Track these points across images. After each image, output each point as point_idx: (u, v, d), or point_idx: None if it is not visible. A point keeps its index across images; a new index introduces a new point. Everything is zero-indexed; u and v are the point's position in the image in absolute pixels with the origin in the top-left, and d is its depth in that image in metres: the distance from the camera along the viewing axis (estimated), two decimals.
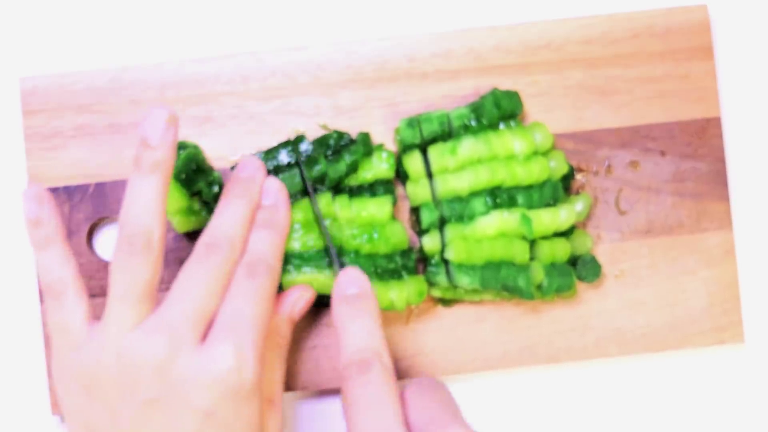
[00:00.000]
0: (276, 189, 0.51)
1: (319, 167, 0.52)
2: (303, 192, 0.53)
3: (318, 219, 0.52)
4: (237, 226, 0.49)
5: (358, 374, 0.45)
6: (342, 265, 0.52)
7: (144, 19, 0.57)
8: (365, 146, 0.53)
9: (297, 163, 0.53)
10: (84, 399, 0.46)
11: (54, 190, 0.54)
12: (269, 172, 0.53)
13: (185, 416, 0.44)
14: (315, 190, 0.53)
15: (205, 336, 0.46)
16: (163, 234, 0.46)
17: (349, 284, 0.49)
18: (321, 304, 0.54)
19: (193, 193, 0.53)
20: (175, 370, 0.44)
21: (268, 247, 0.49)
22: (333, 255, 0.52)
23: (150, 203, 0.46)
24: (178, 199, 0.52)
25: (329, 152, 0.53)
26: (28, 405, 0.55)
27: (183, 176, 0.51)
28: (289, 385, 0.55)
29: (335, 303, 0.48)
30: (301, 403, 0.56)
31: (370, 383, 0.45)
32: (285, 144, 0.53)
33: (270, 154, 0.53)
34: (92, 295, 0.54)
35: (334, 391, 0.56)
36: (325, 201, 0.52)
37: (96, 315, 0.53)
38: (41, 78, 0.54)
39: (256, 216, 0.51)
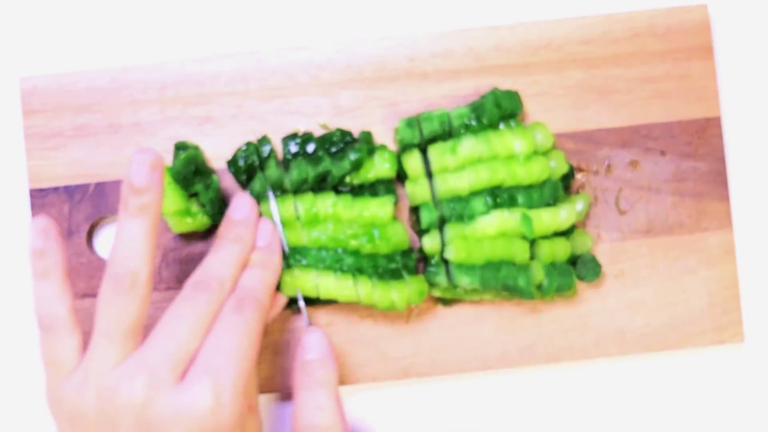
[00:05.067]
0: (270, 231, 0.52)
1: (324, 164, 0.52)
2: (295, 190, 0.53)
3: (275, 223, 0.52)
4: (229, 267, 0.49)
5: None
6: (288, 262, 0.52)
7: (144, 19, 0.57)
8: (368, 145, 0.53)
9: (260, 165, 0.53)
10: (70, 431, 0.46)
11: (54, 190, 0.54)
12: (246, 170, 0.53)
13: None
14: (275, 194, 0.53)
15: (185, 374, 0.45)
16: (151, 274, 0.46)
17: (308, 348, 0.50)
18: (309, 303, 0.54)
19: (191, 195, 0.53)
20: (154, 411, 0.44)
21: (259, 284, 0.49)
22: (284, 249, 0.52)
23: (137, 245, 0.46)
24: (175, 200, 0.52)
25: (333, 150, 0.53)
26: (28, 405, 0.55)
27: (181, 177, 0.52)
28: (287, 386, 0.55)
29: (295, 364, 0.49)
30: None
31: None
32: (248, 145, 0.54)
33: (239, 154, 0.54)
34: (93, 296, 0.54)
35: None
36: (329, 200, 0.52)
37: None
38: (41, 78, 0.54)
39: (249, 257, 0.51)
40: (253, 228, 0.51)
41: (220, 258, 0.49)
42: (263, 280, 0.50)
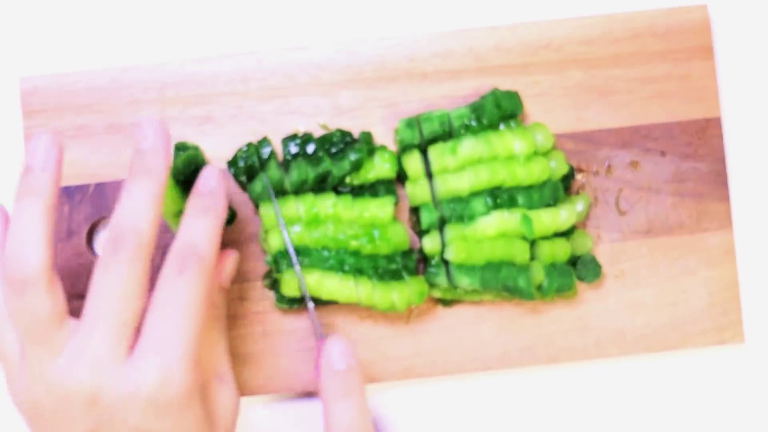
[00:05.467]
0: (215, 176, 0.47)
1: (324, 165, 0.52)
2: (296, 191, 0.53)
3: (279, 224, 0.52)
4: (143, 211, 0.44)
5: None
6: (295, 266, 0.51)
7: (144, 19, 0.57)
8: (368, 146, 0.53)
9: (261, 166, 0.53)
10: (33, 427, 0.45)
11: None
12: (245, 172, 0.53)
13: None
14: (280, 194, 0.53)
15: (133, 345, 0.44)
16: (49, 262, 0.43)
17: (339, 358, 0.48)
18: (317, 303, 0.54)
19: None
20: (105, 397, 0.43)
21: (199, 237, 0.44)
22: (293, 259, 0.51)
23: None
24: (175, 200, 0.52)
25: (333, 150, 0.53)
26: None
27: (182, 178, 0.52)
28: (287, 386, 0.55)
29: (324, 375, 0.48)
30: (296, 403, 0.56)
31: None
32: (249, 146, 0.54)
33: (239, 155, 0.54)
34: None
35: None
36: (329, 201, 0.52)
37: None
38: (41, 78, 0.54)
39: (187, 204, 0.47)
40: (166, 160, 0.45)
41: (131, 202, 0.44)
42: (205, 230, 0.45)
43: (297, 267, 0.51)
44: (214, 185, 0.46)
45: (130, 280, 0.43)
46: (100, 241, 0.56)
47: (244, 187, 0.54)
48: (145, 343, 0.43)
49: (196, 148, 0.54)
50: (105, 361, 0.43)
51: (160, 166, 0.45)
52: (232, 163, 0.53)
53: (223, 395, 0.47)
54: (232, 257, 0.51)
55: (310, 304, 0.52)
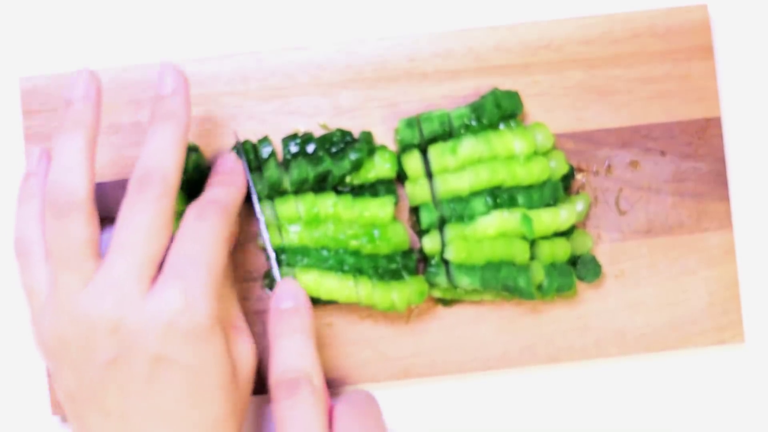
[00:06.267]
0: (233, 158, 0.51)
1: (324, 165, 0.52)
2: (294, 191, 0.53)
3: (259, 223, 0.52)
4: (168, 153, 0.46)
5: (286, 396, 0.45)
6: (274, 278, 0.51)
7: (144, 19, 0.57)
8: (368, 145, 0.53)
9: (259, 167, 0.53)
10: (54, 363, 0.46)
11: None
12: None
13: (143, 366, 0.44)
14: (271, 197, 0.52)
15: (155, 280, 0.45)
16: (91, 192, 0.45)
17: (285, 297, 0.48)
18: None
19: (192, 196, 0.53)
20: (127, 325, 0.44)
21: (221, 195, 0.48)
22: (272, 262, 0.51)
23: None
24: (177, 202, 0.52)
25: (333, 150, 0.54)
26: (28, 405, 0.55)
27: (191, 182, 0.52)
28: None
29: (270, 315, 0.48)
30: None
31: (296, 406, 0.45)
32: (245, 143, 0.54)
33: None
34: None
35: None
36: (329, 201, 0.52)
37: None
38: (41, 78, 0.54)
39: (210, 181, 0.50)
40: (186, 103, 0.47)
41: (156, 144, 0.46)
42: (227, 193, 0.48)
43: (275, 269, 0.51)
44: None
45: (155, 217, 0.45)
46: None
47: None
48: (168, 273, 0.45)
49: (196, 149, 0.54)
50: (128, 291, 0.44)
51: (182, 110, 0.46)
52: None
53: (241, 346, 0.48)
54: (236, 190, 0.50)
55: (272, 254, 0.51)
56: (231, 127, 0.55)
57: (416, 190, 0.53)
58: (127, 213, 0.45)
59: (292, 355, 0.47)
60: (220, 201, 0.47)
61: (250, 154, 0.53)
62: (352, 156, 0.52)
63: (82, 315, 0.44)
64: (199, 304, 0.44)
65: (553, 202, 0.53)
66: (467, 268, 0.52)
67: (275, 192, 0.53)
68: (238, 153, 0.53)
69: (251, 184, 0.52)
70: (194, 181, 0.52)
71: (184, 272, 0.44)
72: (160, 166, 0.45)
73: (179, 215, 0.53)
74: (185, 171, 0.51)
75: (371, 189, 0.54)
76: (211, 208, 0.46)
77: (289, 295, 0.48)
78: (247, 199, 0.54)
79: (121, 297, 0.44)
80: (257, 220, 0.52)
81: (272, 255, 0.51)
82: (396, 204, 0.53)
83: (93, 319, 0.44)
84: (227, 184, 0.49)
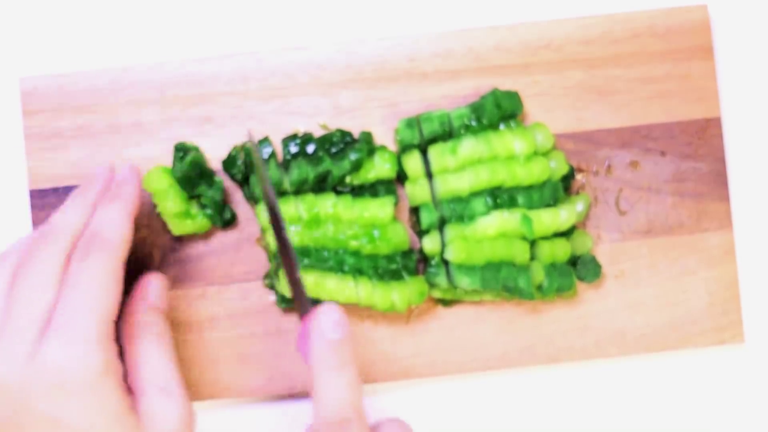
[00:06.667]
0: (127, 168, 0.50)
1: (324, 165, 0.52)
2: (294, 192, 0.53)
3: (278, 222, 0.50)
4: (75, 215, 0.47)
5: None
6: (297, 282, 0.48)
7: (144, 19, 0.57)
8: (368, 145, 0.53)
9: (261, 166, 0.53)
10: None
11: (54, 191, 0.54)
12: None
13: (35, 428, 0.43)
14: (282, 194, 0.52)
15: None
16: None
17: (333, 327, 0.46)
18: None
19: (191, 197, 0.53)
20: (13, 383, 0.43)
21: (107, 222, 0.47)
22: (294, 261, 0.49)
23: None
24: (176, 202, 0.52)
25: (333, 150, 0.53)
26: None
27: (187, 180, 0.52)
28: (287, 386, 0.55)
29: (314, 345, 0.45)
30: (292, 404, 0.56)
31: None
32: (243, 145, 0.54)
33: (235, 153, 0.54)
34: None
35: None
36: (329, 201, 0.52)
37: None
38: (41, 78, 0.54)
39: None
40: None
41: (66, 207, 0.47)
42: (115, 213, 0.47)
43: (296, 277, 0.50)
44: (126, 174, 0.49)
45: (46, 272, 0.44)
46: None
47: (240, 186, 0.54)
48: (50, 328, 0.43)
49: (196, 149, 0.54)
50: (16, 350, 0.43)
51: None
52: (228, 161, 0.53)
53: (165, 407, 0.45)
54: (156, 280, 0.50)
55: (298, 275, 0.48)
56: (231, 127, 0.55)
57: (416, 191, 0.53)
58: (21, 270, 0.45)
59: (344, 390, 0.45)
60: (103, 231, 0.46)
61: (252, 155, 0.53)
62: (352, 156, 0.52)
63: None
64: (80, 358, 0.43)
65: (553, 202, 0.53)
66: (467, 268, 0.52)
67: (275, 192, 0.53)
68: (246, 152, 0.53)
69: (267, 184, 0.50)
70: (191, 177, 0.52)
71: (64, 324, 0.43)
72: (103, 231, 0.46)
73: (179, 215, 0.53)
74: (183, 167, 0.52)
75: (371, 189, 0.54)
76: (93, 245, 0.45)
77: (337, 324, 0.46)
78: (249, 199, 0.54)
79: (8, 357, 0.43)
80: (264, 220, 0.52)
81: (294, 257, 0.49)
82: (396, 204, 0.53)
83: None
84: (113, 199, 0.48)
